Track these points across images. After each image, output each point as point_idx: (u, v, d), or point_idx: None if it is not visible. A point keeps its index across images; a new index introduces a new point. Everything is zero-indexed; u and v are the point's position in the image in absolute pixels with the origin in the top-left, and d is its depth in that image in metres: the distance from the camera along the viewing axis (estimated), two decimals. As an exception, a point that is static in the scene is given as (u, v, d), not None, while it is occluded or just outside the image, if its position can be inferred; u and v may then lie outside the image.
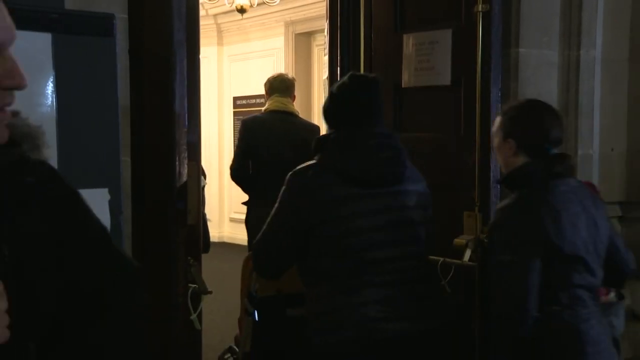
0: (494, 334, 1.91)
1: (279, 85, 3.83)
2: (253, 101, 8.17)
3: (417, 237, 1.98)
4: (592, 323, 1.85)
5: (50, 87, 1.87)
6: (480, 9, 2.58)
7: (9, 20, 0.82)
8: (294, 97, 3.91)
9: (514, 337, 1.83)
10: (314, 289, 1.95)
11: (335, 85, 2.06)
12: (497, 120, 2.02)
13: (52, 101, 1.87)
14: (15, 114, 0.89)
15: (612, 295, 2.44)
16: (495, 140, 2.00)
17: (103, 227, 1.02)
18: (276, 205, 1.95)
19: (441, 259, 2.66)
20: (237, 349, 2.37)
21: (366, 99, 1.96)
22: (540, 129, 1.91)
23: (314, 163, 1.95)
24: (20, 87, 0.81)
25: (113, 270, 0.98)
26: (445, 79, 2.77)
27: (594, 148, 2.89)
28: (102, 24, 1.94)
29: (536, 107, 1.97)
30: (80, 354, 0.91)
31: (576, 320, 1.83)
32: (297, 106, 4.03)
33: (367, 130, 1.93)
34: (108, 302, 0.95)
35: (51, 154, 1.02)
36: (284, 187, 1.95)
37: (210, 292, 2.19)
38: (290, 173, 1.95)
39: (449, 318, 1.99)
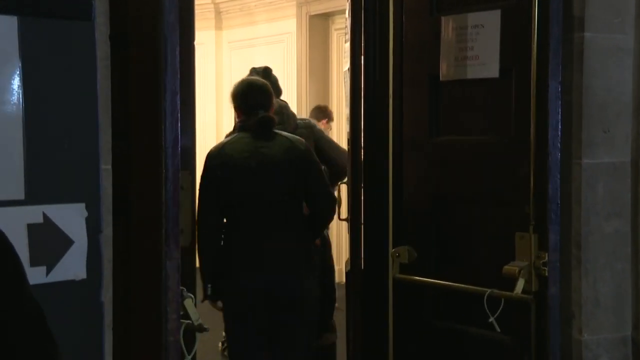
0: None
1: None
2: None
3: None
4: None
5: (16, 81, 1.86)
6: (536, -16, 2.57)
7: None
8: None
9: None
10: None
11: None
12: None
13: (18, 97, 1.87)
14: None
15: None
16: None
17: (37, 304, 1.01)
18: None
19: (488, 290, 2.68)
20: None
21: None
22: None
23: None
24: None
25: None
26: (493, 70, 2.77)
27: (676, 153, 2.82)
28: (78, 5, 1.95)
29: None
30: None
31: None
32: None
33: None
34: None
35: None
36: None
37: (207, 330, 2.23)
38: None
39: None
